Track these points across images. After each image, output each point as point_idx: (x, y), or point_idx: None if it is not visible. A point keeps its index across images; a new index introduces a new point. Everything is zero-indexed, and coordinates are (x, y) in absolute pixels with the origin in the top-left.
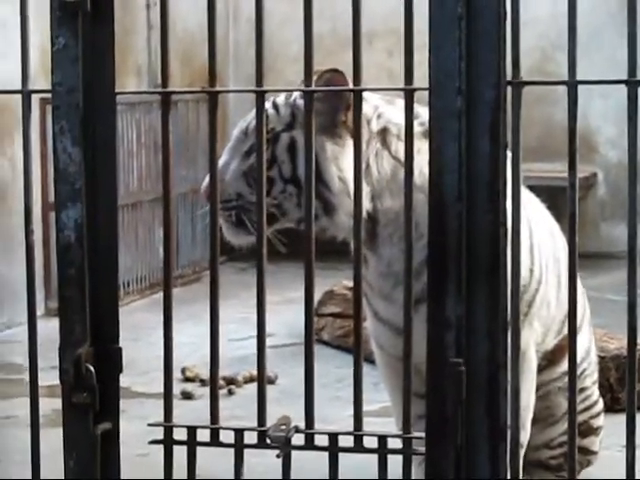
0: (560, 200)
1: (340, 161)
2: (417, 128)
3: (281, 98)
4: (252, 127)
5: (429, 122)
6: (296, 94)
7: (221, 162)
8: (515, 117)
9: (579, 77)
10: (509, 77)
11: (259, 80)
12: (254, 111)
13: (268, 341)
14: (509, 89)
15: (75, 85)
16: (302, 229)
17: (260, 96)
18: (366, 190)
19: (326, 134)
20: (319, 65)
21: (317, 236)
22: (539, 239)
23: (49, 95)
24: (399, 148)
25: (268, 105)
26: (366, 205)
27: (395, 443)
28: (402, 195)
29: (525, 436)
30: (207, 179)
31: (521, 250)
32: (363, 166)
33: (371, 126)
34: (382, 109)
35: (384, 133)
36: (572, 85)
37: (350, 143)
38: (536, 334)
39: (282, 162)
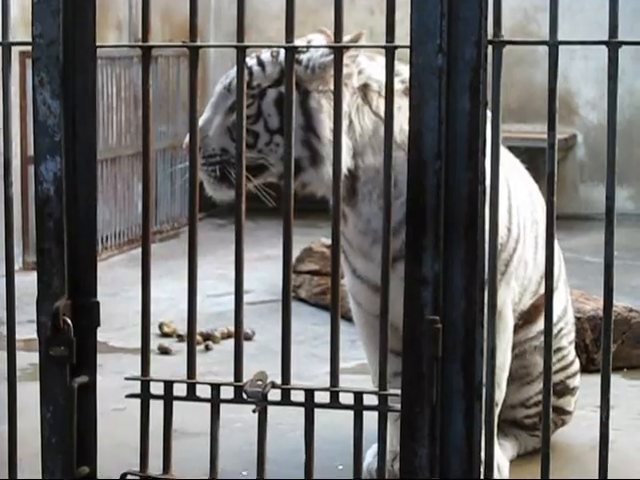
0: (539, 161)
1: (331, 114)
2: (398, 85)
3: (266, 55)
4: (235, 83)
5: (409, 80)
6: (282, 51)
7: (204, 118)
8: (496, 76)
9: (561, 38)
10: (490, 36)
11: (240, 36)
12: (232, 71)
13: (246, 298)
14: (490, 48)
15: (55, 37)
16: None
17: (241, 51)
18: (349, 146)
19: (319, 89)
20: (300, 23)
21: (297, 191)
22: (518, 199)
23: (29, 48)
24: (380, 104)
25: (253, 62)
26: (347, 161)
27: (371, 400)
28: (383, 152)
29: (500, 395)
30: (187, 138)
31: (500, 209)
32: (346, 122)
33: (352, 82)
34: (363, 65)
35: (365, 89)
36: (553, 45)
37: (344, 93)
38: (513, 293)
39: (268, 115)
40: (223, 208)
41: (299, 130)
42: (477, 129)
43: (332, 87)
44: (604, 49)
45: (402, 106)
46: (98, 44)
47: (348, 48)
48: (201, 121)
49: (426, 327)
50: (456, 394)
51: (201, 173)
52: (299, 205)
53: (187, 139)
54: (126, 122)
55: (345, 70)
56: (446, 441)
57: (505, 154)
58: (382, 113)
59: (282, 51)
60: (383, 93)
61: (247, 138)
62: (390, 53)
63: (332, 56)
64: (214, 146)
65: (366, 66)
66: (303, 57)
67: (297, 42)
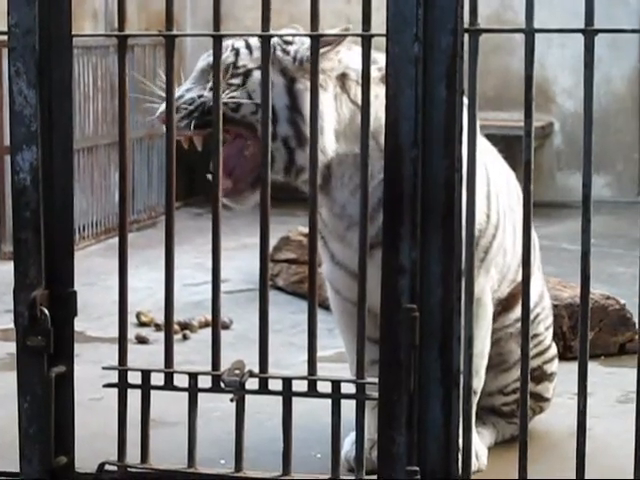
0: (516, 149)
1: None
2: (375, 73)
3: (254, 40)
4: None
5: (386, 68)
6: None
7: (181, 89)
8: (472, 64)
9: (538, 26)
10: (467, 25)
11: (216, 24)
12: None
13: (223, 286)
14: (467, 37)
15: (31, 27)
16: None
17: (217, 41)
18: (326, 134)
19: (306, 77)
20: (277, 12)
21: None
22: (496, 186)
23: (4, 37)
24: (358, 93)
25: (241, 44)
26: (333, 147)
27: (349, 388)
28: (356, 140)
29: (479, 383)
30: (163, 106)
31: (477, 196)
32: (326, 110)
33: (334, 73)
34: (341, 54)
35: (343, 78)
36: (529, 33)
37: (327, 83)
38: (492, 281)
39: (253, 91)
40: (200, 197)
41: (285, 110)
42: (454, 117)
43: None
44: (581, 37)
45: (379, 94)
46: (74, 33)
47: (325, 37)
48: (178, 91)
49: (403, 315)
50: (434, 382)
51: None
52: (275, 194)
53: (160, 109)
54: (102, 111)
55: (329, 64)
56: (424, 429)
57: (482, 142)
58: (359, 101)
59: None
60: (361, 82)
61: (230, 104)
62: (367, 42)
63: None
64: (187, 98)
65: (344, 55)
66: (290, 49)
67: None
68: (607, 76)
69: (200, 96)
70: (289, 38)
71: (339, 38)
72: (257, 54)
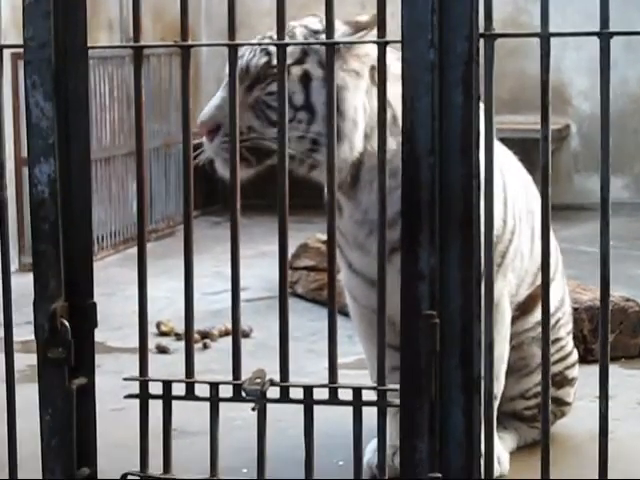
0: (533, 152)
1: (354, 92)
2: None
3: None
4: (252, 63)
5: (401, 75)
6: (301, 32)
7: (220, 96)
8: (488, 70)
9: (553, 29)
10: (482, 29)
11: (231, 34)
12: (244, 49)
13: (242, 295)
14: (482, 42)
15: (47, 40)
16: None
17: (233, 50)
18: (360, 129)
19: (343, 67)
20: (292, 19)
21: (303, 173)
22: (512, 191)
23: (21, 50)
24: (388, 87)
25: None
26: (359, 146)
27: (370, 395)
28: (391, 138)
29: (499, 387)
30: (207, 112)
31: (494, 201)
32: (359, 103)
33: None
34: (369, 49)
35: (373, 71)
36: (545, 37)
37: (363, 70)
38: (510, 285)
39: (293, 92)
40: (218, 206)
41: (322, 106)
42: (470, 123)
43: (354, 66)
44: (596, 39)
45: None
46: (90, 45)
47: (340, 44)
48: (217, 99)
49: (423, 322)
50: (455, 388)
51: (216, 152)
52: (293, 201)
53: (205, 117)
54: (119, 121)
55: (363, 50)
56: (446, 435)
57: (498, 146)
58: (390, 97)
59: (299, 29)
60: (390, 77)
61: (270, 115)
62: (382, 48)
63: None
64: (240, 124)
65: (372, 49)
66: (323, 37)
67: (291, 24)
68: (623, 78)
69: (249, 127)
70: (318, 27)
71: (372, 22)
72: (291, 49)
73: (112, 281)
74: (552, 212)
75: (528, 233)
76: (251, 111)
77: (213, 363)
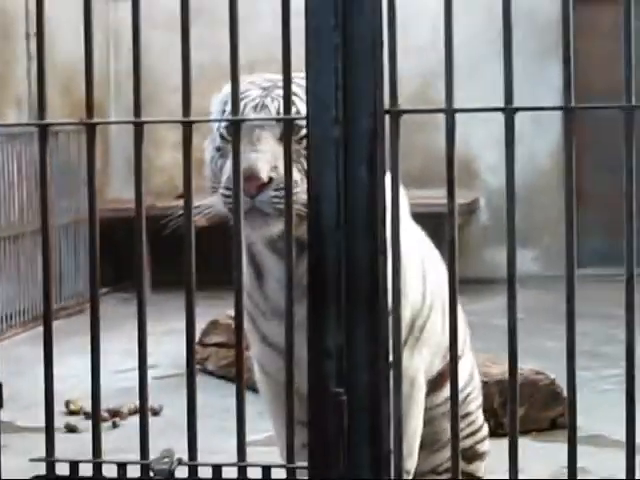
0: (443, 226)
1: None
2: None
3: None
4: (272, 108)
5: (307, 151)
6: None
7: (266, 151)
8: (393, 145)
9: (461, 104)
10: (388, 106)
11: (137, 111)
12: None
13: (152, 372)
14: (388, 117)
15: None
16: None
17: (139, 127)
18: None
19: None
20: (200, 95)
21: None
22: (429, 265)
23: None
24: None
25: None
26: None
27: (279, 473)
28: None
29: (412, 463)
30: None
31: (413, 276)
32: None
33: None
34: None
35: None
36: (449, 112)
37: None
38: (425, 361)
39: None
40: (128, 282)
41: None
42: (375, 199)
43: None
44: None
45: None
46: None
47: (245, 121)
48: (253, 156)
49: (331, 400)
50: (364, 465)
51: (262, 206)
52: (202, 277)
53: (257, 172)
54: (28, 199)
55: None
56: None
57: (408, 221)
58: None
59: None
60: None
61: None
62: (288, 126)
63: None
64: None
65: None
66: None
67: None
68: (531, 152)
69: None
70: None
71: None
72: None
73: (22, 360)
74: (462, 286)
75: (440, 308)
76: (295, 165)
77: (122, 442)
